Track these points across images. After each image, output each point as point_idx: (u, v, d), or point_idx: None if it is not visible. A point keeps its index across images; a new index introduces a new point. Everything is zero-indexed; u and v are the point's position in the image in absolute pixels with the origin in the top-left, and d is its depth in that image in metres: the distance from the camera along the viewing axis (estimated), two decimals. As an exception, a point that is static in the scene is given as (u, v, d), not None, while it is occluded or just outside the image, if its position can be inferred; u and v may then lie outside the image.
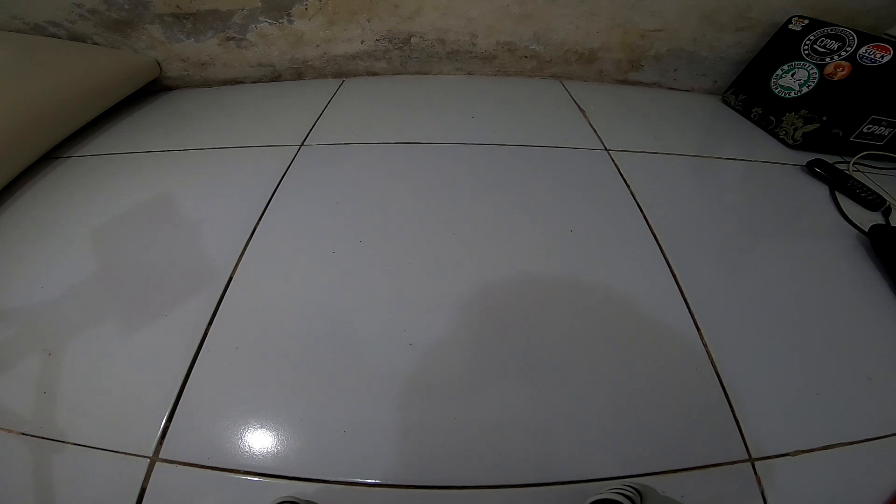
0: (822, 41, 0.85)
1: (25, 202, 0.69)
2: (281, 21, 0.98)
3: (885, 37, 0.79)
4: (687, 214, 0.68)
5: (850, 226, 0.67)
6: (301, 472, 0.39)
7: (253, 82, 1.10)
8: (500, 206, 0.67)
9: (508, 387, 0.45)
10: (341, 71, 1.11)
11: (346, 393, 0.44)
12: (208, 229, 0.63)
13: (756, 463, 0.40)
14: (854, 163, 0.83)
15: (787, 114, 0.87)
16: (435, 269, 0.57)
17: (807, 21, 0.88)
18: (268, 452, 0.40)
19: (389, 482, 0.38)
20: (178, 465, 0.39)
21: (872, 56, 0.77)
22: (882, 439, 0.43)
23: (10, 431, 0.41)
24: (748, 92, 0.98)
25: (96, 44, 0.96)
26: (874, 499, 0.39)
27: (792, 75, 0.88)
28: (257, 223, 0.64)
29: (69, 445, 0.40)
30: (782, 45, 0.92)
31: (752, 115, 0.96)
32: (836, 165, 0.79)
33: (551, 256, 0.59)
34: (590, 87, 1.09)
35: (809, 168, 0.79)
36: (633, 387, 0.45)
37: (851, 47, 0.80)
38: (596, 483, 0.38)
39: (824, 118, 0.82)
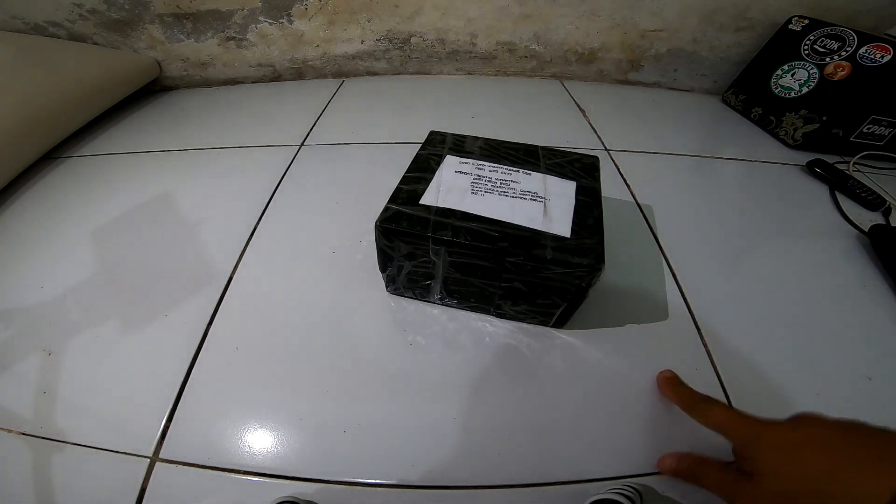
0: (822, 41, 0.85)
1: (25, 202, 0.69)
2: (281, 21, 0.98)
3: (885, 37, 0.79)
4: (687, 214, 0.68)
5: (850, 226, 0.67)
6: (301, 472, 0.39)
7: (253, 82, 1.10)
8: (500, 206, 0.67)
9: (508, 386, 0.45)
10: (341, 71, 1.11)
11: (346, 393, 0.44)
12: (208, 229, 0.63)
13: (756, 463, 0.40)
14: (854, 163, 0.83)
15: (787, 114, 0.87)
16: (435, 269, 0.57)
17: (807, 21, 0.88)
18: (268, 452, 0.40)
19: (389, 482, 0.38)
20: (178, 465, 0.39)
21: (872, 56, 0.77)
22: (882, 439, 0.42)
23: (10, 431, 0.41)
24: (748, 92, 0.98)
25: (96, 44, 0.96)
26: (874, 499, 0.39)
27: (792, 75, 0.88)
28: (257, 223, 0.64)
29: (69, 445, 0.40)
30: (782, 45, 0.92)
31: (752, 115, 0.96)
32: (836, 165, 0.79)
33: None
34: (590, 87, 1.09)
35: (809, 168, 0.79)
36: (633, 386, 0.45)
37: (851, 47, 0.80)
38: (596, 483, 0.38)
39: (824, 118, 0.82)
